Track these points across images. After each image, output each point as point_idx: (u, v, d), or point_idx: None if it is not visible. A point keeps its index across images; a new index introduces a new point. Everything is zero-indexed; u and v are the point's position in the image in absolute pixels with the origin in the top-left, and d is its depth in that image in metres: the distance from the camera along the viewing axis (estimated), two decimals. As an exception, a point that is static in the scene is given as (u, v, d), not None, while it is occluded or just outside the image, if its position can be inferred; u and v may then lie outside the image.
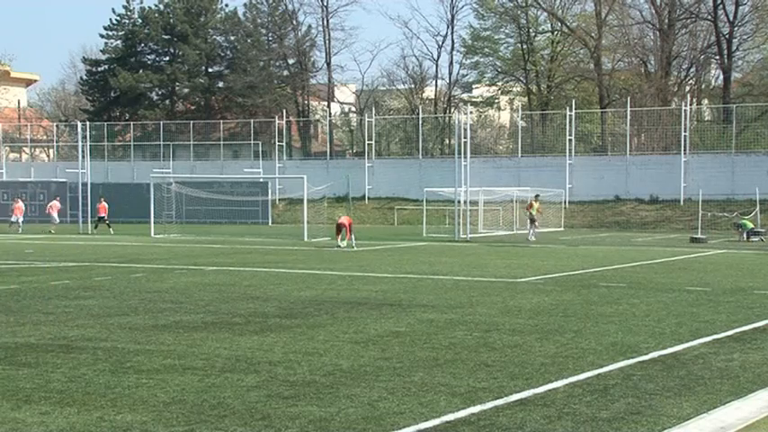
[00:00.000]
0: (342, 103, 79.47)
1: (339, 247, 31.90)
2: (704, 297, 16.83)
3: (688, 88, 68.06)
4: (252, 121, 66.35)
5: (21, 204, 47.89)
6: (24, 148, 76.04)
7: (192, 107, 78.33)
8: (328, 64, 73.36)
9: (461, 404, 8.35)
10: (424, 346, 11.37)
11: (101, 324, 13.27)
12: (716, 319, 13.85)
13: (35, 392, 8.85)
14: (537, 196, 40.53)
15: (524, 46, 68.35)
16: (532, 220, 38.24)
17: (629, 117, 54.77)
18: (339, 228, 32.89)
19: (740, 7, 59.55)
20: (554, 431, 7.56)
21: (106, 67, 77.62)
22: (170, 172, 55.37)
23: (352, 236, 33.22)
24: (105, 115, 75.20)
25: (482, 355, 10.76)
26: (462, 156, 38.62)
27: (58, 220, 47.63)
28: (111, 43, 78.38)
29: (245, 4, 76.29)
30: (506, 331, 12.59)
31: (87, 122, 57.43)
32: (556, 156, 55.66)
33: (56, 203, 49.03)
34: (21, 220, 46.45)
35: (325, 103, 75.29)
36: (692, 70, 67.28)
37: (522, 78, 70.04)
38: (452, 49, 72.58)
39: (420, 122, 61.44)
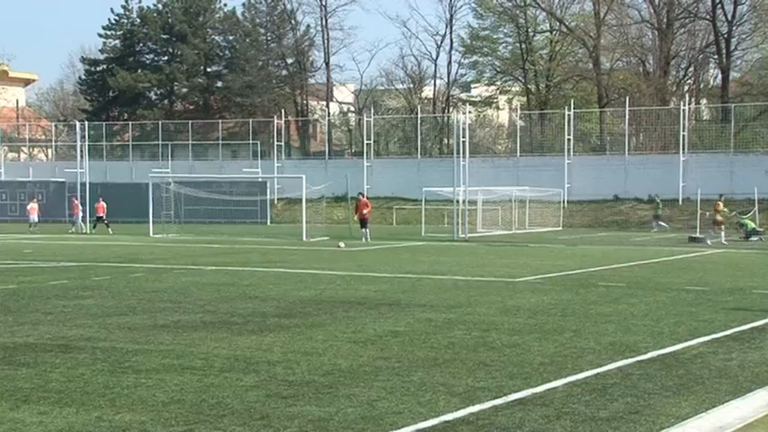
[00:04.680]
0: (340, 103, 79.47)
1: (339, 246, 31.97)
2: (703, 296, 16.83)
3: (687, 88, 68.10)
4: (251, 120, 66.32)
5: (34, 204, 47.61)
6: (23, 148, 76.01)
7: (191, 107, 78.31)
8: (327, 63, 73.40)
9: (460, 404, 8.35)
10: (422, 346, 11.38)
11: (99, 324, 13.27)
12: (714, 319, 13.85)
13: (34, 392, 8.85)
14: (721, 196, 39.49)
15: (523, 45, 68.33)
16: (718, 222, 36.35)
17: (627, 117, 54.81)
18: (360, 209, 37.68)
19: (738, 7, 59.58)
20: (553, 431, 7.56)
21: (105, 66, 77.58)
22: (169, 172, 55.30)
23: (367, 229, 36.99)
24: (104, 115, 75.15)
25: (481, 355, 10.76)
26: (461, 155, 38.61)
27: (80, 219, 46.59)
28: (110, 43, 78.38)
29: (243, 4, 76.38)
30: (505, 331, 12.59)
31: (86, 122, 57.39)
32: (554, 155, 55.68)
33: (78, 204, 47.63)
34: (35, 219, 46.22)
35: (324, 103, 75.26)
36: (690, 70, 67.36)
37: (520, 78, 70.03)
38: (451, 48, 72.73)
39: (419, 122, 61.43)
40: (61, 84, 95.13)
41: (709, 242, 34.56)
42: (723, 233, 35.96)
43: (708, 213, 38.90)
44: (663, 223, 45.38)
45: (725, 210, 37.46)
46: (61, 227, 48.40)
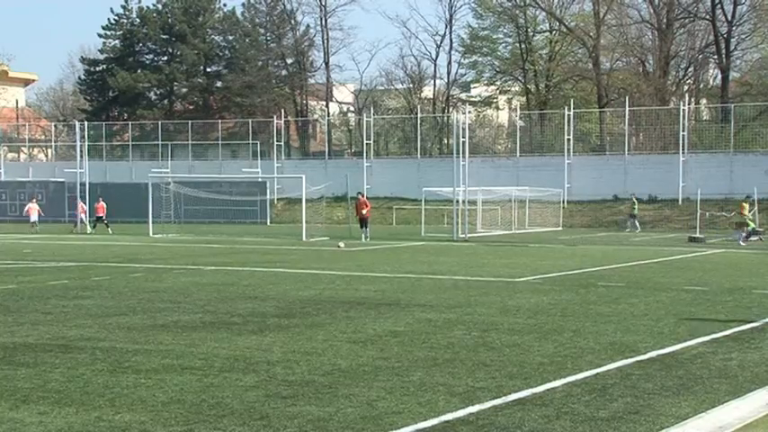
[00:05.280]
0: (340, 103, 79.49)
1: (339, 246, 31.97)
2: (702, 296, 16.83)
3: (686, 88, 68.09)
4: (250, 120, 66.35)
5: (33, 204, 47.53)
6: (23, 148, 76.05)
7: (191, 107, 78.35)
8: (327, 63, 73.42)
9: (460, 404, 8.34)
10: (422, 346, 11.37)
11: (99, 324, 13.26)
12: (714, 319, 13.84)
13: (33, 392, 8.84)
14: (748, 197, 38.96)
15: (523, 45, 68.36)
16: (741, 224, 35.87)
17: (627, 117, 54.83)
18: (359, 209, 38.31)
19: (738, 7, 59.63)
20: (553, 431, 7.56)
21: (104, 66, 77.66)
22: (168, 172, 55.31)
23: (367, 229, 37.47)
24: (103, 115, 75.22)
25: (480, 355, 10.76)
26: (461, 155, 38.61)
27: (84, 219, 46.54)
28: (110, 43, 78.46)
29: (243, 4, 76.48)
30: (505, 331, 12.59)
31: (85, 122, 57.46)
32: (554, 155, 55.70)
33: (82, 205, 47.58)
34: (35, 219, 46.15)
35: (324, 103, 75.31)
36: (690, 70, 67.40)
37: (520, 78, 70.07)
38: (451, 48, 72.80)
39: (418, 122, 61.45)
40: (61, 84, 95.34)
41: (741, 243, 34.02)
42: (743, 235, 35.59)
43: (708, 214, 38.87)
44: (636, 223, 45.42)
45: (742, 212, 36.88)
46: (61, 227, 48.38)
